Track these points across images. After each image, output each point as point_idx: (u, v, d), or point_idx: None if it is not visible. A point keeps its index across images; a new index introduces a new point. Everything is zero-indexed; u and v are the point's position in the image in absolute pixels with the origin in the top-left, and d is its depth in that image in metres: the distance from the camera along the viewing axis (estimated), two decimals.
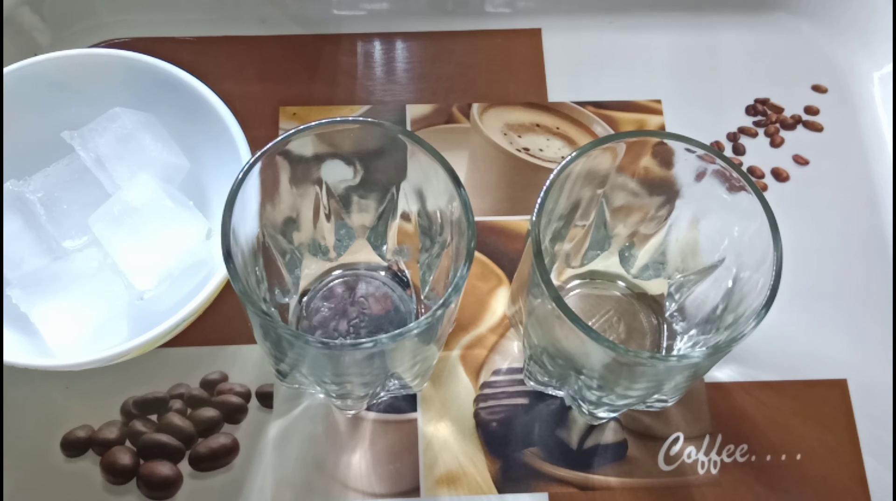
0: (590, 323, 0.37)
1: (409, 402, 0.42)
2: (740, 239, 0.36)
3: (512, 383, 0.43)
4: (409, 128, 0.50)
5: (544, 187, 0.34)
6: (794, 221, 0.47)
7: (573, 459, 0.41)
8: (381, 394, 0.41)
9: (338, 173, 0.38)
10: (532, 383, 0.42)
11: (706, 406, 0.43)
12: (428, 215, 0.38)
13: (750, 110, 0.51)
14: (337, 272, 0.43)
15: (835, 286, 0.46)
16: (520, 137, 0.50)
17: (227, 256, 0.32)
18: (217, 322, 0.43)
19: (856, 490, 0.41)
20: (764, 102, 0.51)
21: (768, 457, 0.42)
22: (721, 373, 0.43)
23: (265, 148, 0.34)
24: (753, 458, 0.42)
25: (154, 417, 0.42)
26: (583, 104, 0.51)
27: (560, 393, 0.42)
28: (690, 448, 0.42)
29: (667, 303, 0.42)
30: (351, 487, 0.41)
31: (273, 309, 0.39)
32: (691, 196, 0.37)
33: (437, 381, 0.43)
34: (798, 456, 0.42)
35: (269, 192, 0.36)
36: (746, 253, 0.35)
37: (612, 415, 0.41)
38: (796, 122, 0.51)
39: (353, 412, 0.42)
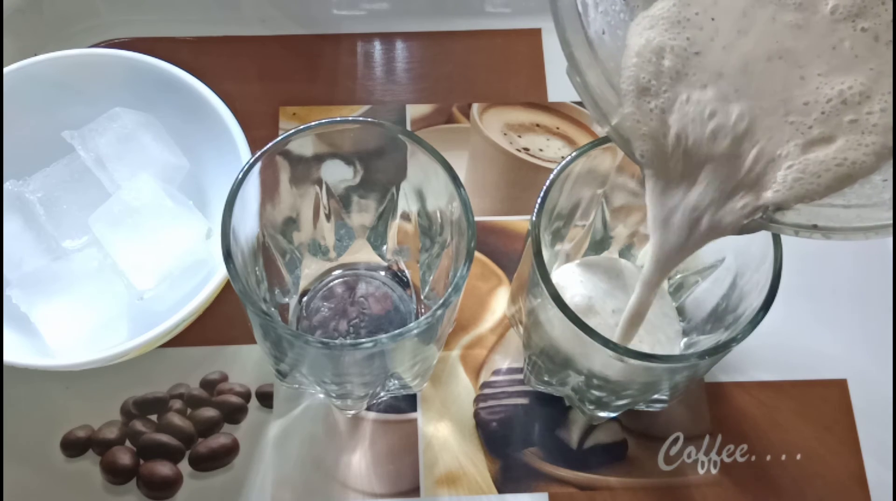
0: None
1: (409, 402, 0.42)
2: (740, 239, 0.35)
3: (512, 383, 0.43)
4: (409, 128, 0.50)
5: (544, 187, 0.34)
6: None
7: (573, 459, 0.41)
8: (381, 394, 0.41)
9: (338, 173, 0.38)
10: (532, 383, 0.42)
11: (706, 406, 0.43)
12: (428, 215, 0.38)
13: None
14: (337, 272, 0.43)
15: (835, 286, 0.46)
16: (520, 137, 0.50)
17: (227, 256, 0.32)
18: (217, 322, 0.43)
19: (856, 490, 0.41)
20: None
21: (768, 457, 0.42)
22: (721, 373, 0.43)
23: (265, 148, 0.34)
24: (753, 458, 0.42)
25: (154, 417, 0.42)
26: (583, 104, 0.51)
27: (560, 393, 0.42)
28: (690, 448, 0.42)
29: None
30: (351, 487, 0.41)
31: (273, 309, 0.39)
32: None
33: (437, 381, 0.43)
34: (798, 456, 0.42)
35: (269, 192, 0.36)
36: (746, 253, 0.35)
37: (612, 415, 0.41)
38: None
39: (353, 412, 0.42)
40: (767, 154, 0.28)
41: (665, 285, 0.41)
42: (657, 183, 0.30)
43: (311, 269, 0.42)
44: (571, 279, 0.39)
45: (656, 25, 0.29)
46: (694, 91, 0.29)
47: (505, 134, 0.50)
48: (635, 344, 0.35)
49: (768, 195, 0.28)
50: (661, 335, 0.38)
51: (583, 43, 0.30)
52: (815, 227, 0.27)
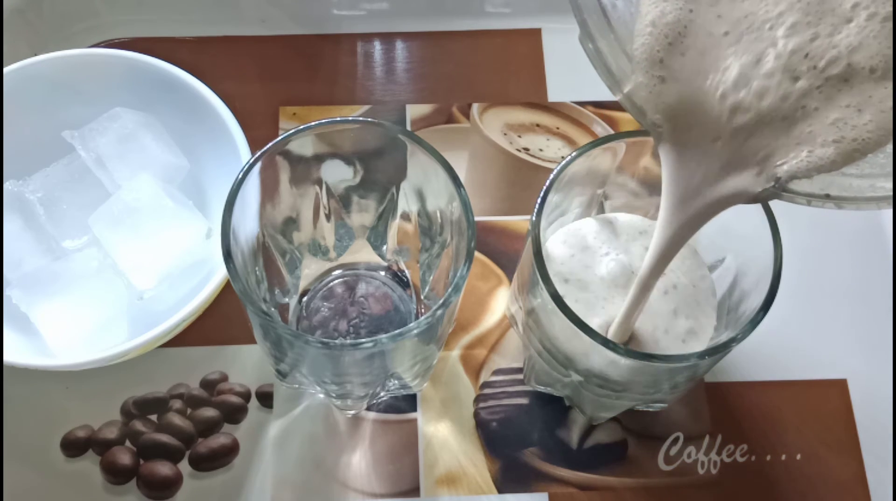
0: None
1: (409, 402, 0.42)
2: (740, 239, 0.36)
3: (512, 383, 0.43)
4: (409, 128, 0.50)
5: (544, 187, 0.34)
6: (794, 220, 0.47)
7: (573, 459, 0.41)
8: (381, 394, 0.41)
9: (338, 173, 0.38)
10: (532, 383, 0.42)
11: (706, 406, 0.43)
12: (428, 215, 0.38)
13: None
14: (337, 272, 0.43)
15: (835, 286, 0.46)
16: (520, 137, 0.50)
17: (227, 256, 0.32)
18: (217, 322, 0.43)
19: (856, 490, 0.41)
20: None
21: (768, 457, 0.42)
22: (721, 373, 0.43)
23: (265, 148, 0.34)
24: (753, 458, 0.42)
25: (154, 417, 0.42)
26: (583, 104, 0.51)
27: (560, 393, 0.42)
28: (690, 448, 0.42)
29: None
30: (351, 487, 0.41)
31: (273, 309, 0.39)
32: None
33: (437, 381, 0.43)
34: (798, 456, 0.42)
35: (269, 192, 0.36)
36: (746, 253, 0.35)
37: (612, 415, 0.41)
38: None
39: (353, 412, 0.42)
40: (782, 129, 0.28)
41: (714, 300, 0.38)
42: (670, 152, 0.29)
43: (311, 269, 0.42)
44: (561, 252, 0.38)
45: None
46: (709, 66, 0.29)
47: (505, 134, 0.50)
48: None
49: (781, 165, 0.28)
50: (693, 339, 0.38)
51: (595, 8, 0.30)
52: (827, 196, 0.27)
